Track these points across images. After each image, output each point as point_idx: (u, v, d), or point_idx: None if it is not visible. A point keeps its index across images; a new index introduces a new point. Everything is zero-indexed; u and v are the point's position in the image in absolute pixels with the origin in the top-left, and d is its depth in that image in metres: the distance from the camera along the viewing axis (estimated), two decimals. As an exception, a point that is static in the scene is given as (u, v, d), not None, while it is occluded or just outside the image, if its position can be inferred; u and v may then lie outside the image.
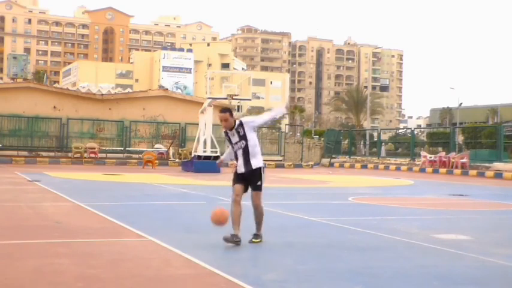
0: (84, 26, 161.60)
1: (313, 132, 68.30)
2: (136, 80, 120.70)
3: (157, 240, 7.97)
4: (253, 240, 7.85)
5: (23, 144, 35.80)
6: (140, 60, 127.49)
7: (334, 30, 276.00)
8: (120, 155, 35.98)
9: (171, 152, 36.29)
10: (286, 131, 46.14)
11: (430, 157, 33.93)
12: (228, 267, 6.39)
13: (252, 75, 32.90)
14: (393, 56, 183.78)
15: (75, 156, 33.90)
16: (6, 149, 34.33)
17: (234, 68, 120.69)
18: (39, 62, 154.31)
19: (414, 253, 7.67)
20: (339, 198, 15.95)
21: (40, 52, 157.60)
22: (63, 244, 7.69)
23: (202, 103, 31.45)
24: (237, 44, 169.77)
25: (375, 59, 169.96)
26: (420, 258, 7.32)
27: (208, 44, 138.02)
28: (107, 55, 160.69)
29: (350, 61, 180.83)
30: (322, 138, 47.53)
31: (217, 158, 24.49)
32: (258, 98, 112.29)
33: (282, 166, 36.09)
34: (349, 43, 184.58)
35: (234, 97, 28.03)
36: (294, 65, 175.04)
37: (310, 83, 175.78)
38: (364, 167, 37.09)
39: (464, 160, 31.58)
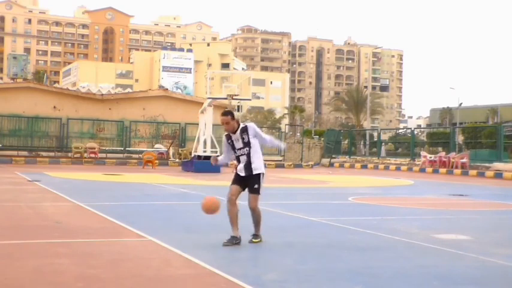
0: (84, 26, 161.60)
1: (313, 132, 68.25)
2: (136, 80, 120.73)
3: (157, 240, 7.97)
4: (253, 240, 7.86)
5: (23, 144, 35.81)
6: (140, 60, 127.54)
7: (334, 30, 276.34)
8: (120, 155, 35.98)
9: (171, 152, 36.29)
10: (286, 131, 46.15)
11: (430, 157, 33.93)
12: (228, 267, 6.38)
13: (252, 75, 32.88)
14: (393, 56, 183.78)
15: (75, 156, 33.90)
16: (6, 149, 34.33)
17: (234, 68, 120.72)
18: (39, 62, 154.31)
19: (414, 253, 7.67)
20: (339, 198, 15.95)
21: (40, 52, 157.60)
22: (63, 244, 7.69)
23: (202, 103, 31.45)
24: (237, 44, 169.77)
25: (375, 59, 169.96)
26: (420, 258, 7.31)
27: (208, 44, 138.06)
28: (107, 55, 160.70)
29: (350, 61, 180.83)
30: (322, 138, 47.51)
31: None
32: (258, 98, 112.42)
33: (282, 166, 36.09)
34: (349, 43, 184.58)
35: (234, 97, 28.02)
36: (294, 65, 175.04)
37: (310, 83, 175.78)
38: (364, 167, 37.09)
39: (464, 160, 31.58)
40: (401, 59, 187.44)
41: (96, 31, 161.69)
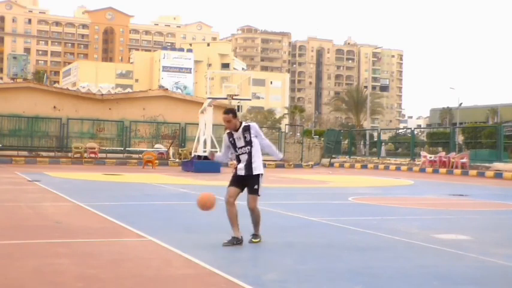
0: (84, 26, 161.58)
1: (313, 132, 68.28)
2: (137, 80, 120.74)
3: (157, 240, 7.97)
4: (253, 240, 7.85)
5: (23, 144, 35.82)
6: (140, 60, 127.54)
7: (334, 30, 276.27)
8: (120, 155, 35.98)
9: (171, 152, 36.29)
10: (286, 131, 46.14)
11: (430, 157, 33.93)
12: (228, 267, 6.39)
13: (252, 75, 32.89)
14: (393, 56, 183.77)
15: (75, 156, 33.90)
16: (6, 149, 34.34)
17: (234, 68, 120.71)
18: (39, 62, 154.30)
19: (414, 253, 7.67)
20: (339, 198, 15.95)
21: (40, 52, 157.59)
22: (63, 244, 7.69)
23: (202, 103, 31.45)
24: (237, 44, 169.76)
25: (375, 59, 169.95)
26: (420, 258, 7.31)
27: (208, 44, 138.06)
28: (107, 55, 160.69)
29: (350, 61, 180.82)
30: (322, 138, 47.52)
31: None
32: (258, 98, 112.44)
33: (282, 166, 36.06)
34: (349, 43, 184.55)
35: (234, 97, 28.02)
36: (294, 65, 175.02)
37: (310, 83, 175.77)
38: (364, 167, 37.09)
39: (464, 160, 31.58)
40: (401, 59, 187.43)
41: (96, 31, 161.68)
